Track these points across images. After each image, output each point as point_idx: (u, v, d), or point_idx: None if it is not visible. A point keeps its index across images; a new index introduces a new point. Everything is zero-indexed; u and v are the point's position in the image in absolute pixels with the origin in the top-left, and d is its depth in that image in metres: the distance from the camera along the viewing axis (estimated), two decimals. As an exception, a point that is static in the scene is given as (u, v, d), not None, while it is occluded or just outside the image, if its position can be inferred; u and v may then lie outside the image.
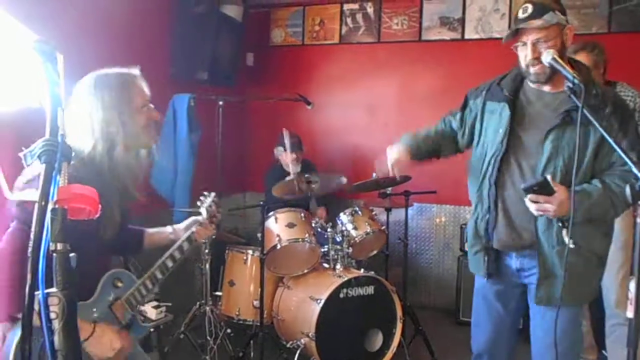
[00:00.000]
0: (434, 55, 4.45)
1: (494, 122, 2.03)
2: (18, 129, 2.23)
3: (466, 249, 2.31)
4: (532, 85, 1.99)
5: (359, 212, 3.53)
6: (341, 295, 3.08)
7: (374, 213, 3.64)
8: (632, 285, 1.42)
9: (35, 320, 0.87)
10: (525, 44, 1.87)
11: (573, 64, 1.93)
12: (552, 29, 1.83)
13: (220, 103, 3.81)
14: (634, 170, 1.48)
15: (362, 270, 3.28)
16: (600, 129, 1.64)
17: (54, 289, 0.89)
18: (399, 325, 3.22)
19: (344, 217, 3.51)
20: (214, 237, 2.16)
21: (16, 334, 1.39)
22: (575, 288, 1.91)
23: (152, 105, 1.75)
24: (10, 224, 1.48)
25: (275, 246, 3.21)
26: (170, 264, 1.85)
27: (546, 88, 1.96)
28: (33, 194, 0.94)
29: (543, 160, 1.89)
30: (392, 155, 2.18)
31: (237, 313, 3.37)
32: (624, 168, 1.79)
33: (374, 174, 3.55)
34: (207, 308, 3.22)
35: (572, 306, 1.97)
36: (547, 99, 1.96)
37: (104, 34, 3.27)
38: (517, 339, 2.26)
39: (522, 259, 2.02)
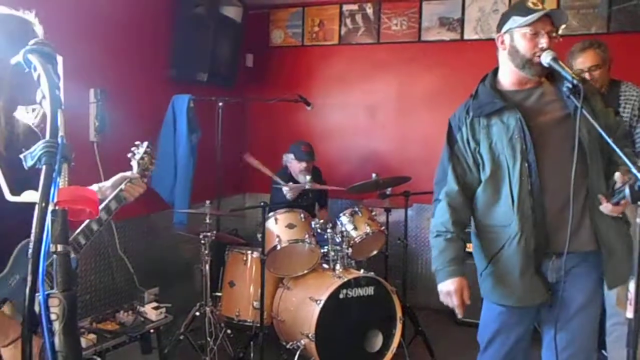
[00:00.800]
0: (434, 55, 4.45)
1: (498, 132, 1.92)
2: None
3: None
4: (510, 88, 1.98)
5: (359, 213, 3.53)
6: (341, 296, 3.09)
7: (373, 214, 3.65)
8: (632, 286, 1.43)
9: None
10: (538, 33, 1.85)
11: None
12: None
13: (220, 104, 3.82)
14: (634, 171, 1.48)
15: (361, 270, 3.28)
16: (600, 129, 1.65)
17: (54, 290, 0.89)
18: (399, 326, 3.22)
19: (343, 218, 3.52)
20: (142, 192, 1.81)
21: None
22: (630, 262, 1.85)
23: None
24: None
25: (275, 247, 3.21)
26: (95, 227, 1.61)
27: (527, 86, 1.96)
28: (33, 196, 0.94)
29: (585, 140, 1.81)
30: (458, 300, 1.97)
31: (237, 314, 3.37)
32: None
33: (374, 175, 3.56)
34: (207, 309, 3.22)
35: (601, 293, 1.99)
36: (536, 93, 1.96)
37: (103, 36, 3.28)
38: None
39: (559, 271, 1.90)
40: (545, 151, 1.88)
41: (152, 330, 2.94)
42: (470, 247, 2.14)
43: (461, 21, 4.35)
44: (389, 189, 3.67)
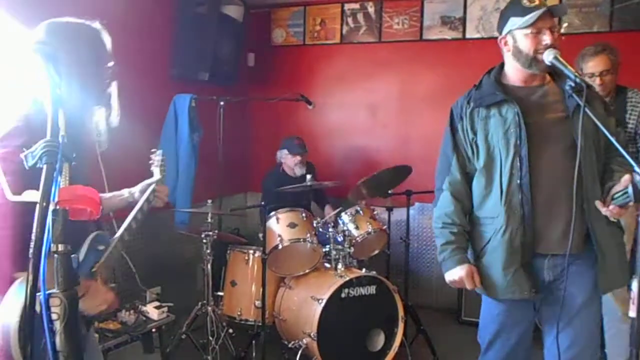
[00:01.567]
0: (435, 54, 4.44)
1: (496, 125, 1.93)
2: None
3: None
4: (516, 84, 1.98)
5: (361, 212, 3.53)
6: (343, 295, 3.08)
7: (375, 212, 3.64)
8: (635, 285, 1.42)
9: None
10: (540, 30, 1.85)
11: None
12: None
13: (222, 103, 3.82)
14: (637, 169, 1.48)
15: (363, 270, 3.28)
16: (603, 129, 1.65)
17: (55, 290, 0.89)
18: (401, 325, 3.21)
19: (345, 217, 3.51)
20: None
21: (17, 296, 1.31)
22: (625, 266, 1.91)
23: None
24: None
25: (276, 246, 3.21)
26: (134, 225, 1.83)
27: (534, 83, 1.96)
28: (34, 195, 0.94)
29: (580, 140, 1.78)
30: (471, 284, 2.00)
31: (238, 313, 3.37)
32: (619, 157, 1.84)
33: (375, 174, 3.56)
34: (209, 308, 3.22)
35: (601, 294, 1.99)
36: (539, 92, 1.95)
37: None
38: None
39: (555, 269, 1.92)
40: (540, 149, 1.89)
41: (154, 330, 2.94)
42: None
43: (463, 20, 4.34)
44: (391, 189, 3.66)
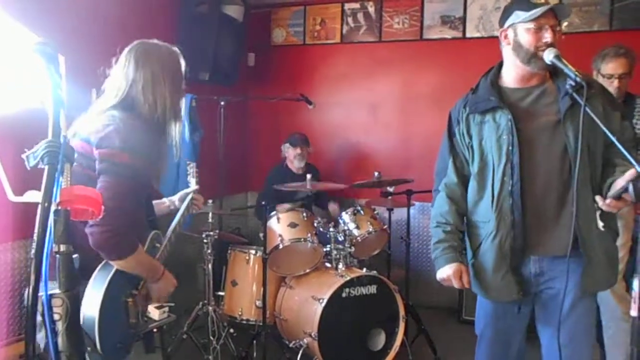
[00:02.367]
0: (435, 54, 4.44)
1: (489, 130, 1.94)
2: (20, 131, 2.23)
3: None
4: (512, 85, 1.97)
5: (361, 212, 3.53)
6: (343, 295, 3.08)
7: (375, 212, 3.64)
8: (636, 284, 1.42)
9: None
10: (542, 27, 1.84)
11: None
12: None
13: (222, 103, 3.83)
14: (638, 168, 1.48)
15: (364, 269, 3.28)
16: (604, 128, 1.64)
17: (57, 291, 0.89)
18: (402, 325, 3.21)
19: (345, 217, 3.51)
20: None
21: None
22: (613, 269, 1.93)
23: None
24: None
25: (277, 246, 3.21)
26: (178, 228, 2.15)
27: (531, 83, 1.95)
28: (36, 196, 0.94)
29: (571, 143, 1.82)
30: (459, 283, 2.02)
31: (239, 313, 3.37)
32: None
33: (376, 173, 3.56)
34: (210, 308, 3.22)
35: (594, 293, 2.00)
36: (535, 93, 1.94)
37: (105, 35, 3.27)
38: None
39: (542, 263, 1.94)
40: (531, 154, 1.89)
41: (155, 330, 2.93)
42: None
43: (463, 19, 4.34)
44: (392, 188, 3.66)
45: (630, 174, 1.61)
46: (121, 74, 1.80)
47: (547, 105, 1.92)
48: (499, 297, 2.00)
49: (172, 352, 3.13)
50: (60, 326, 0.88)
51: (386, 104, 4.67)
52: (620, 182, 1.70)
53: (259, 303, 3.27)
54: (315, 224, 3.38)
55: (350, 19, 4.69)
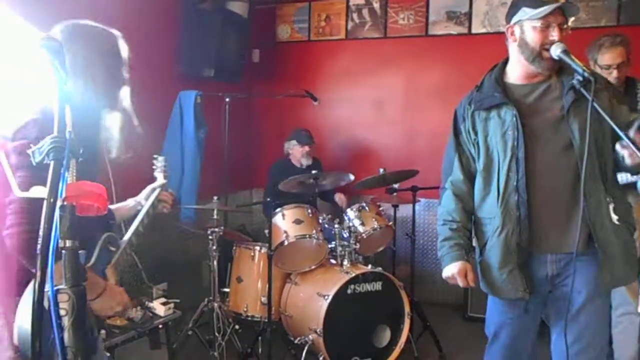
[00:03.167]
0: (441, 50, 4.42)
1: (495, 127, 1.94)
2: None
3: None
4: (517, 82, 1.96)
5: (366, 208, 3.52)
6: (349, 291, 3.08)
7: (381, 209, 3.64)
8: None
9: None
10: (549, 25, 1.82)
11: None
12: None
13: (227, 100, 3.83)
14: None
15: (369, 266, 3.27)
16: (611, 123, 1.63)
17: (63, 286, 0.89)
18: (407, 321, 3.21)
19: (351, 213, 3.51)
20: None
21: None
22: (631, 265, 1.90)
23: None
24: None
25: (282, 242, 3.21)
26: (141, 229, 1.90)
27: (536, 79, 1.94)
28: (42, 191, 0.94)
29: (577, 137, 1.81)
30: (464, 282, 2.01)
31: (244, 309, 3.38)
32: None
33: (381, 170, 3.55)
34: (215, 304, 3.23)
35: (608, 290, 1.98)
36: (541, 88, 1.93)
37: (110, 31, 3.27)
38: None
39: (559, 264, 1.91)
40: (536, 150, 1.89)
41: (160, 326, 2.95)
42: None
43: (469, 15, 4.32)
44: (397, 184, 3.65)
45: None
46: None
47: (552, 100, 1.91)
48: (505, 294, 1.98)
49: (177, 348, 3.14)
50: (66, 321, 0.88)
51: (391, 100, 4.66)
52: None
53: (264, 299, 3.27)
54: (321, 221, 3.38)
55: (355, 15, 4.68)
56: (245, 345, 3.28)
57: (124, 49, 1.72)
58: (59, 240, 0.89)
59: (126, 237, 1.79)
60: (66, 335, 0.89)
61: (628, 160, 1.74)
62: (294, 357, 3.19)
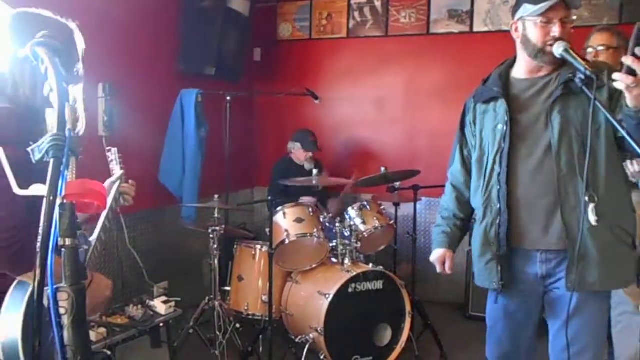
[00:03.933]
0: (443, 48, 4.42)
1: (489, 120, 1.98)
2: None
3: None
4: (521, 76, 1.97)
5: (367, 207, 3.52)
6: (350, 290, 3.08)
7: (382, 207, 3.63)
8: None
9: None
10: (551, 21, 1.81)
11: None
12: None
13: (228, 98, 3.82)
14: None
15: (370, 265, 3.27)
16: (612, 120, 1.61)
17: (63, 284, 0.89)
18: (408, 320, 3.21)
19: (352, 212, 3.50)
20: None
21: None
22: (611, 270, 1.83)
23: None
24: None
25: (283, 241, 3.20)
26: (107, 224, 1.82)
27: (540, 73, 1.93)
28: (41, 189, 0.94)
29: (555, 134, 1.82)
30: (440, 267, 2.14)
31: (245, 308, 3.38)
32: None
33: (382, 169, 3.55)
34: (216, 303, 3.23)
35: (603, 292, 1.92)
36: (540, 84, 1.93)
37: (111, 30, 3.27)
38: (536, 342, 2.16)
39: (549, 264, 1.91)
40: (521, 144, 1.90)
41: (161, 324, 2.96)
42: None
43: (470, 13, 4.31)
44: (398, 183, 3.65)
45: None
46: None
47: (548, 96, 1.90)
48: (482, 283, 2.07)
49: (178, 346, 3.14)
50: (66, 320, 0.88)
51: (392, 99, 4.65)
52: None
53: (265, 298, 3.27)
54: (322, 219, 3.38)
55: (356, 14, 4.67)
56: (246, 343, 3.28)
57: (80, 43, 1.54)
58: (59, 239, 0.88)
59: (95, 234, 1.72)
60: (66, 334, 0.88)
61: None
62: (294, 356, 3.19)
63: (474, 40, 4.30)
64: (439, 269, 2.14)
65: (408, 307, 3.21)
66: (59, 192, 0.90)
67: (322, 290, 3.08)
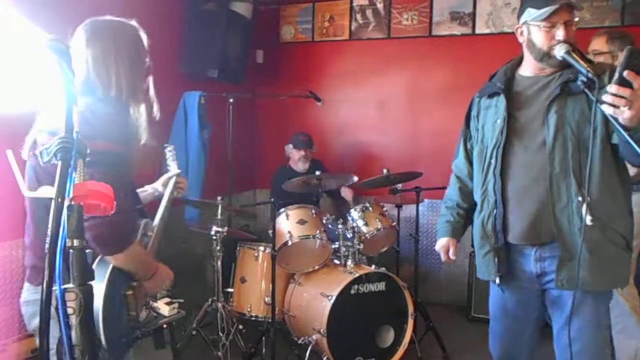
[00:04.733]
0: (445, 50, 4.42)
1: (491, 115, 2.02)
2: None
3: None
4: (526, 74, 1.98)
5: (370, 208, 3.52)
6: (352, 292, 3.09)
7: (384, 209, 3.64)
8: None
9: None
10: (554, 25, 1.82)
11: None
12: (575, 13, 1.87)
13: (230, 100, 3.83)
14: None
15: (373, 266, 3.27)
16: (613, 121, 1.61)
17: (71, 285, 0.90)
18: (410, 322, 3.21)
19: (354, 213, 3.51)
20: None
21: None
22: (602, 270, 1.84)
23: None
24: None
25: (286, 243, 3.21)
26: (166, 215, 2.04)
27: (544, 72, 1.94)
28: (49, 191, 0.95)
29: (550, 132, 1.84)
30: (445, 256, 2.20)
31: (248, 309, 3.39)
32: None
33: (385, 170, 3.56)
34: (219, 304, 3.24)
35: (600, 293, 1.91)
36: (542, 82, 1.94)
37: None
38: (538, 340, 2.17)
39: (543, 263, 1.93)
40: (517, 141, 1.93)
41: (164, 326, 2.95)
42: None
43: (472, 15, 4.32)
44: (400, 185, 3.66)
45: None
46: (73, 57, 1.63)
47: (548, 94, 1.91)
48: (481, 274, 2.11)
49: (181, 348, 3.15)
50: (74, 320, 0.89)
51: (395, 101, 4.66)
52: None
53: (267, 299, 3.28)
54: (324, 221, 3.38)
55: (358, 16, 4.68)
56: (249, 345, 3.29)
57: (145, 39, 1.80)
58: (67, 240, 0.89)
59: (155, 222, 1.91)
60: (73, 334, 0.89)
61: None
62: (297, 357, 3.20)
63: (476, 42, 4.31)
64: (443, 258, 2.19)
65: (410, 309, 3.22)
66: (67, 194, 0.91)
67: (324, 291, 3.09)
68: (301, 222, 3.28)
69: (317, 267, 3.34)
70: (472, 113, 2.13)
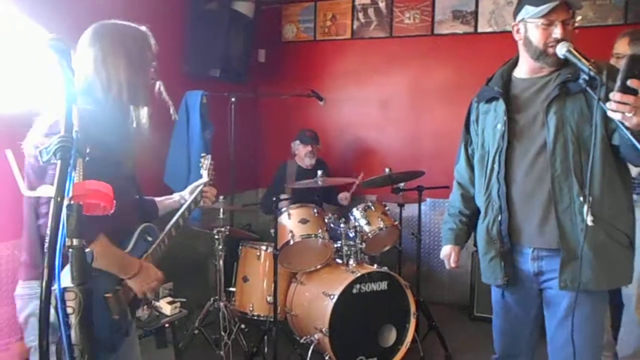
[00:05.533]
0: (447, 49, 4.42)
1: (490, 119, 2.00)
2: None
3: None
4: (522, 76, 1.97)
5: (372, 208, 3.52)
6: (354, 291, 3.08)
7: (386, 208, 3.63)
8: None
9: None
10: (552, 23, 1.81)
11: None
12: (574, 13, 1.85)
13: (233, 99, 3.83)
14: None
15: (375, 265, 3.27)
16: (620, 125, 1.60)
17: (70, 284, 0.90)
18: (413, 321, 3.21)
19: (356, 213, 3.51)
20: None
21: None
22: (606, 269, 1.83)
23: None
24: None
25: (288, 242, 3.21)
26: (181, 222, 2.00)
27: (541, 73, 1.93)
28: (49, 190, 0.95)
29: (551, 133, 1.83)
30: (448, 264, 2.22)
31: (250, 309, 3.39)
32: None
33: (387, 170, 3.55)
34: (221, 304, 3.24)
35: (598, 292, 1.90)
36: (540, 83, 1.93)
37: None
38: (538, 339, 2.17)
39: (540, 262, 1.93)
40: (519, 144, 1.93)
41: (167, 325, 2.96)
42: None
43: (475, 14, 4.31)
44: (403, 184, 3.65)
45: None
46: (76, 58, 1.62)
47: (546, 95, 1.90)
48: (487, 279, 2.11)
49: (183, 347, 3.15)
50: (73, 320, 0.89)
51: (397, 100, 4.65)
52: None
53: (269, 299, 3.28)
54: (326, 220, 3.38)
55: (360, 15, 4.67)
56: (251, 344, 3.29)
57: (152, 43, 1.81)
58: (66, 239, 0.89)
59: (167, 228, 1.89)
60: (73, 334, 0.89)
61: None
62: (299, 357, 3.20)
63: (478, 40, 4.30)
64: (447, 265, 2.20)
65: (413, 308, 3.21)
66: (66, 193, 0.91)
67: (326, 291, 3.09)
68: (303, 221, 3.28)
69: (319, 267, 3.34)
70: (472, 118, 2.12)
